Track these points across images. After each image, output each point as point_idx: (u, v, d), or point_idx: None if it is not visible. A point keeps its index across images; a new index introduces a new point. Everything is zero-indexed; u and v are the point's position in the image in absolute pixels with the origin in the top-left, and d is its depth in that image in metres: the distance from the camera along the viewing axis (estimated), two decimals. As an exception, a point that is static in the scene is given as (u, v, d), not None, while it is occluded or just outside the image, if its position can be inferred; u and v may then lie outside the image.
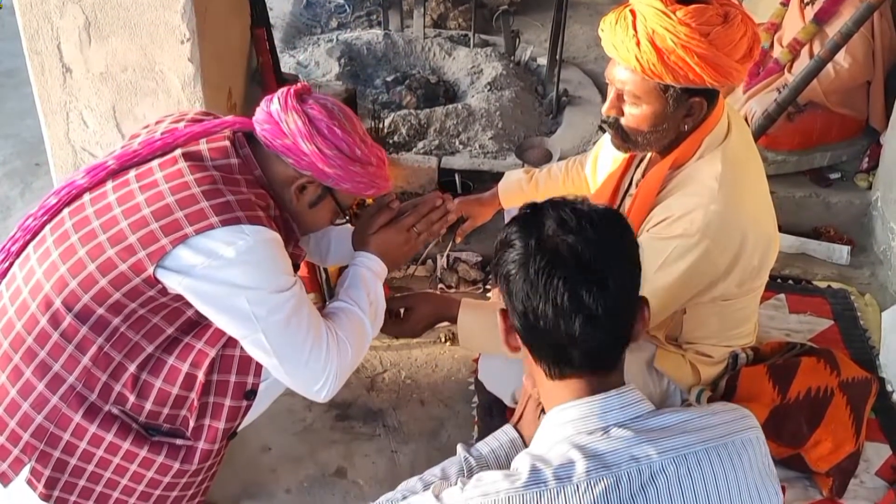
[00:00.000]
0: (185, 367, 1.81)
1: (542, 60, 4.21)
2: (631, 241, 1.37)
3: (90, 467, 1.81)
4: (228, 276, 1.67)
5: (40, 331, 1.73)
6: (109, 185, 1.76)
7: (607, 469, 1.24)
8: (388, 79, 4.09)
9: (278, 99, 1.80)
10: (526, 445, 1.60)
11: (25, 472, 1.78)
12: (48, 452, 1.78)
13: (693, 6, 1.88)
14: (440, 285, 3.07)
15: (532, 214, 1.36)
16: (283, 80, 2.89)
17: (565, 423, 1.32)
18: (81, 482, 1.82)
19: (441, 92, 4.04)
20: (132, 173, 1.76)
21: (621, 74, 1.95)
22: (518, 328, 1.36)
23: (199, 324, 1.80)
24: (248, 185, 1.76)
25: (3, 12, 4.86)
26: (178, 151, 1.76)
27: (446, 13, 4.73)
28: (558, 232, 1.30)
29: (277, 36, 3.92)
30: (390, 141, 3.55)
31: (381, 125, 3.52)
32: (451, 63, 4.29)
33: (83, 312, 1.71)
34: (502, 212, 2.67)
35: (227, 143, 1.80)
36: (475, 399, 2.60)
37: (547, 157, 3.48)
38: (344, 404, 2.61)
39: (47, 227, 1.79)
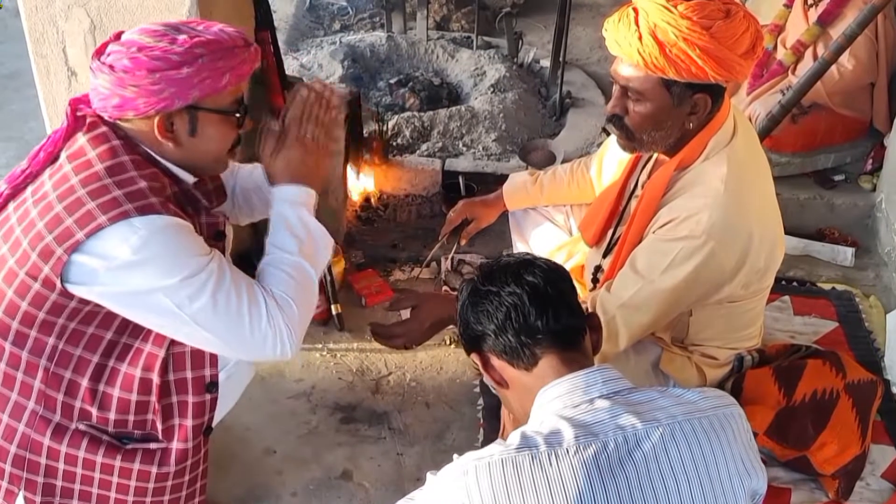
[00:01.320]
0: (137, 373, 1.77)
1: (545, 62, 4.21)
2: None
3: (76, 486, 1.82)
4: (135, 278, 1.62)
5: None
6: (11, 207, 1.74)
7: (594, 436, 1.30)
8: (392, 81, 4.09)
9: (90, 70, 1.68)
10: None
11: (20, 502, 1.79)
12: (33, 479, 1.78)
13: (695, 1, 1.89)
14: (444, 287, 3.07)
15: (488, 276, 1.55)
16: (287, 82, 2.89)
17: (553, 399, 1.38)
18: (73, 502, 1.83)
19: (444, 94, 4.04)
20: (29, 190, 1.72)
21: (625, 71, 1.96)
22: (490, 347, 1.49)
23: (135, 324, 1.74)
24: (137, 167, 1.66)
25: (6, 14, 4.87)
26: (63, 155, 1.70)
27: (449, 15, 4.73)
28: (503, 269, 1.53)
29: (281, 38, 3.92)
30: (394, 143, 3.55)
31: (384, 127, 3.52)
32: (454, 65, 4.29)
33: (18, 339, 1.70)
34: (506, 214, 2.67)
35: (105, 128, 1.69)
36: (480, 401, 2.60)
37: (550, 159, 3.49)
38: (349, 407, 2.61)
39: None
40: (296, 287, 1.77)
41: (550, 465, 1.28)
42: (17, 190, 1.75)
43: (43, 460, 1.78)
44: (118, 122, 1.69)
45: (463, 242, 2.64)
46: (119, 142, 1.68)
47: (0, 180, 1.77)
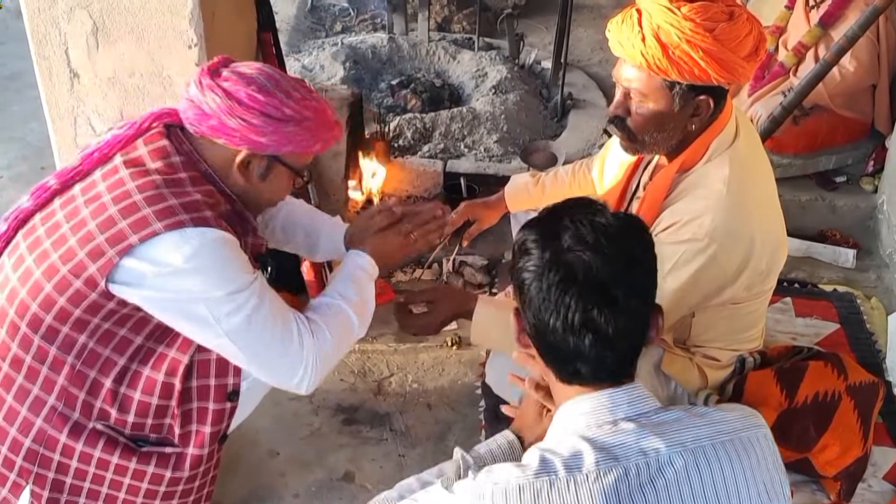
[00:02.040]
0: (160, 377, 1.79)
1: (547, 64, 4.22)
2: (649, 252, 1.37)
3: (86, 484, 1.82)
4: (181, 285, 1.64)
5: (13, 356, 1.73)
6: (57, 203, 1.75)
7: (616, 461, 1.25)
8: (393, 82, 4.10)
9: (194, 82, 1.73)
10: (524, 449, 1.60)
11: (26, 495, 1.78)
12: (43, 474, 1.78)
13: (698, 3, 1.89)
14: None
15: (549, 221, 1.36)
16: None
17: (577, 416, 1.33)
18: (81, 500, 1.83)
19: (446, 95, 4.04)
20: (77, 188, 1.73)
21: (627, 72, 1.96)
22: (530, 333, 1.37)
23: (168, 331, 1.77)
24: (193, 184, 1.71)
25: (8, 15, 4.87)
26: (119, 159, 1.72)
27: (450, 16, 4.73)
28: (574, 246, 1.30)
29: (282, 40, 3.92)
30: (395, 144, 3.56)
31: (386, 129, 3.52)
32: (455, 66, 4.29)
33: (48, 333, 1.71)
34: (508, 215, 2.67)
35: (166, 141, 1.74)
36: (482, 403, 2.60)
37: (552, 161, 3.49)
38: (351, 409, 2.62)
39: (4, 254, 1.78)
40: (339, 328, 1.83)
41: (569, 491, 1.23)
42: (65, 186, 1.76)
43: (56, 456, 1.78)
44: (200, 136, 1.74)
45: (464, 244, 2.63)
46: (180, 158, 1.73)
47: (51, 176, 1.78)
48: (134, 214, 1.64)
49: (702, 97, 1.94)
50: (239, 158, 1.74)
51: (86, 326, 1.70)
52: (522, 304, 1.36)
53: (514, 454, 1.61)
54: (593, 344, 1.29)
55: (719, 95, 1.96)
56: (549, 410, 1.60)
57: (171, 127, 1.78)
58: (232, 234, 1.72)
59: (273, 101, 1.69)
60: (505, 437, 1.67)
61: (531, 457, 1.29)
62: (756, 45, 1.91)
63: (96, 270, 1.64)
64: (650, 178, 2.15)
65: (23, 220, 1.78)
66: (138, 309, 1.70)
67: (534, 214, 2.55)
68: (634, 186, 2.22)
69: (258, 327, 1.70)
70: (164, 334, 1.78)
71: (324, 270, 2.78)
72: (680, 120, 1.97)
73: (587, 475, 1.24)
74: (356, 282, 1.92)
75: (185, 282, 1.64)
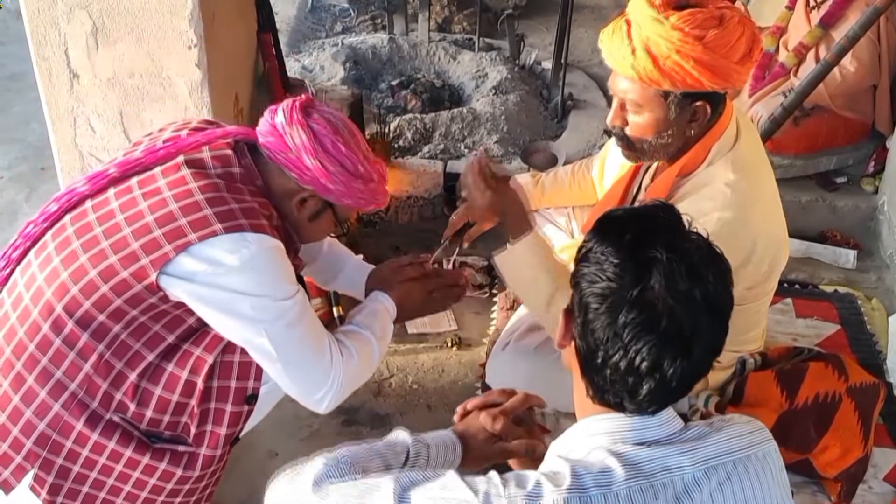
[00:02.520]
0: (184, 375, 1.80)
1: (547, 64, 4.22)
2: (730, 294, 1.28)
3: (93, 474, 1.82)
4: (232, 283, 1.67)
5: (42, 337, 1.73)
6: (111, 192, 1.76)
7: (645, 479, 1.23)
8: (394, 83, 4.10)
9: (283, 111, 1.79)
10: (465, 453, 1.55)
11: (28, 479, 1.78)
12: (51, 460, 1.78)
13: (687, 11, 1.87)
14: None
15: (639, 245, 1.23)
16: (288, 85, 2.90)
17: (600, 433, 1.29)
18: (84, 489, 1.82)
19: (446, 96, 4.05)
20: (134, 180, 1.76)
21: (621, 84, 1.96)
22: (579, 348, 1.29)
23: (200, 332, 1.80)
24: (250, 195, 1.76)
25: (8, 16, 4.87)
26: (181, 158, 1.76)
27: (451, 17, 4.73)
28: (664, 291, 1.19)
29: (282, 40, 3.92)
30: (395, 145, 3.56)
31: (386, 129, 3.52)
32: (455, 67, 4.29)
33: (84, 319, 1.71)
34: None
35: (230, 151, 1.80)
36: (482, 404, 2.59)
37: (552, 161, 3.49)
38: (351, 409, 2.61)
39: (48, 234, 1.79)
40: (363, 354, 1.89)
41: None
42: (123, 176, 1.78)
43: (68, 444, 1.78)
44: (273, 162, 1.80)
45: (465, 245, 2.63)
46: (239, 170, 1.78)
47: (110, 164, 1.81)
48: (195, 213, 1.67)
49: (698, 103, 1.93)
50: (300, 195, 1.81)
51: (123, 317, 1.71)
52: (582, 324, 1.26)
53: (454, 456, 1.54)
54: (652, 390, 1.22)
55: (716, 100, 1.96)
56: (498, 439, 1.56)
57: (239, 141, 1.83)
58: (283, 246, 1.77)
59: (353, 156, 1.79)
60: (450, 437, 1.57)
61: (562, 468, 1.24)
62: (749, 47, 1.90)
63: (149, 263, 1.66)
64: (651, 181, 2.15)
65: (75, 203, 1.79)
66: (178, 307, 1.73)
67: (534, 216, 2.60)
68: (636, 189, 2.22)
69: (297, 336, 1.75)
70: (195, 334, 1.80)
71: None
72: (678, 127, 1.97)
73: (617, 494, 1.21)
74: (381, 318, 1.98)
75: (236, 281, 1.67)
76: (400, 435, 1.51)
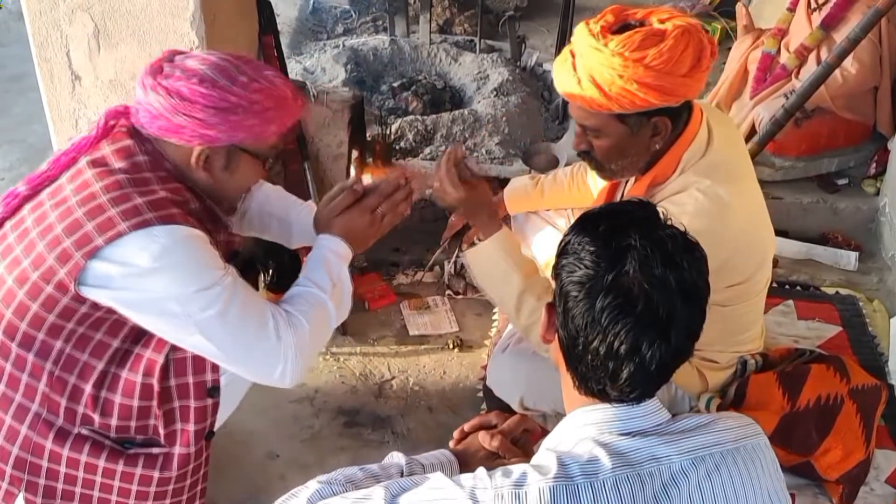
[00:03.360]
0: (138, 378, 1.77)
1: (548, 66, 4.22)
2: (706, 282, 1.30)
3: (77, 489, 1.82)
4: (151, 284, 1.62)
5: None
6: (26, 209, 1.73)
7: (631, 468, 1.24)
8: (395, 84, 4.10)
9: (138, 83, 1.69)
10: (462, 470, 1.54)
11: (20, 502, 1.78)
12: (34, 481, 1.78)
13: (625, 34, 1.87)
14: (448, 291, 3.07)
15: (613, 234, 1.27)
16: (290, 86, 2.90)
17: (588, 424, 1.31)
18: None
19: (447, 97, 4.04)
20: (45, 193, 1.72)
21: (577, 112, 1.98)
22: (561, 339, 1.32)
23: (144, 332, 1.75)
24: (160, 182, 1.69)
25: (10, 17, 4.88)
26: (84, 161, 1.71)
27: (452, 19, 4.73)
28: (639, 275, 1.22)
29: (284, 42, 3.92)
30: (397, 147, 3.56)
31: (387, 131, 3.52)
32: (457, 69, 4.29)
33: (25, 340, 1.70)
34: (508, 218, 2.67)
35: (130, 141, 1.72)
36: (483, 406, 2.59)
37: (553, 163, 3.48)
38: (352, 411, 2.61)
39: None
40: (315, 317, 1.80)
41: (586, 497, 1.21)
42: (34, 192, 1.75)
43: (45, 463, 1.78)
44: (154, 136, 1.71)
45: (464, 246, 2.63)
46: (144, 157, 1.71)
47: (21, 182, 1.77)
48: (100, 216, 1.62)
49: (656, 119, 1.92)
50: (195, 155, 1.70)
51: (61, 332, 1.69)
52: (563, 313, 1.29)
53: (451, 472, 1.55)
54: (632, 373, 1.24)
55: (677, 112, 1.95)
56: (497, 457, 1.57)
57: (134, 125, 1.75)
58: (201, 231, 1.70)
59: (216, 91, 1.64)
60: (445, 455, 1.59)
61: (547, 459, 1.26)
62: (697, 56, 1.87)
63: (65, 274, 1.62)
64: (629, 192, 2.14)
65: None
66: (112, 311, 1.69)
67: (533, 216, 2.60)
68: (619, 197, 2.21)
69: (232, 323, 1.68)
70: (141, 336, 1.76)
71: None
72: (641, 144, 1.97)
73: (604, 482, 1.22)
74: (327, 266, 1.87)
75: (155, 281, 1.62)
76: (395, 456, 1.51)
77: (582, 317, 1.25)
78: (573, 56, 1.92)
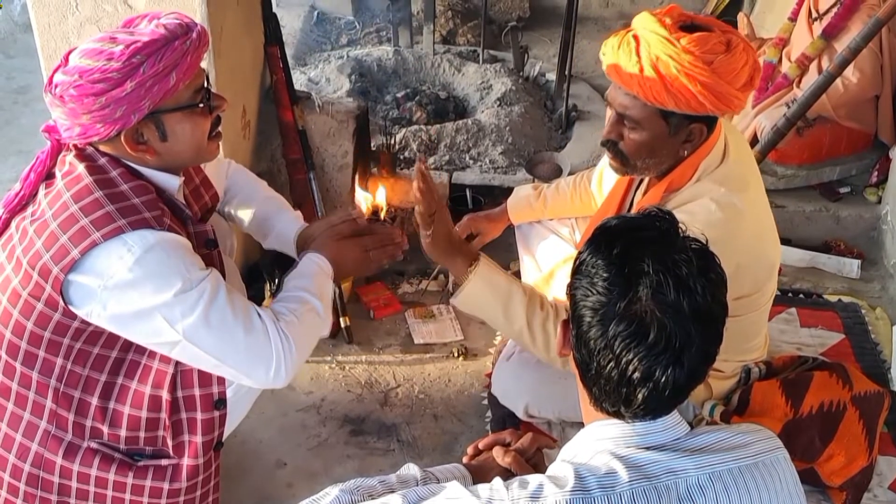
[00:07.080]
0: (147, 390, 1.78)
1: (551, 76, 4.24)
2: (721, 303, 1.28)
3: (89, 503, 1.83)
4: (133, 297, 1.62)
5: (1, 385, 1.75)
6: (13, 226, 1.74)
7: (648, 481, 1.24)
8: (399, 95, 4.12)
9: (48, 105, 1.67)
10: (475, 482, 1.54)
11: None
12: (47, 497, 1.80)
13: (697, 34, 1.87)
14: (452, 301, 3.08)
15: (626, 258, 1.25)
16: (296, 97, 2.92)
17: (605, 438, 1.31)
18: None
19: (451, 107, 4.07)
20: (29, 209, 1.73)
21: (623, 99, 1.94)
22: (576, 359, 1.32)
23: None
24: (125, 180, 1.67)
25: (17, 29, 4.91)
26: (57, 174, 1.70)
27: (455, 29, 4.76)
28: (651, 303, 1.21)
29: (289, 53, 3.95)
30: (401, 157, 3.58)
31: (391, 141, 3.54)
32: (460, 79, 4.31)
33: (27, 359, 1.71)
34: (512, 227, 2.68)
35: (91, 148, 1.70)
36: (489, 413, 2.61)
37: (557, 172, 3.50)
38: (358, 419, 2.63)
39: None
40: (305, 314, 1.82)
41: None
42: (13, 213, 1.75)
43: (56, 479, 1.79)
44: (85, 144, 1.69)
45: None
46: (104, 158, 1.69)
47: None
48: (73, 227, 1.61)
49: (695, 125, 1.93)
50: (123, 142, 1.66)
51: (59, 348, 1.70)
52: (577, 336, 1.29)
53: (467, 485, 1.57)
54: (646, 398, 1.23)
55: (712, 121, 1.96)
56: (512, 475, 1.56)
57: None
58: (175, 228, 1.69)
59: (95, 75, 1.58)
60: (459, 469, 1.60)
61: (564, 471, 1.26)
62: (751, 74, 1.90)
63: (51, 290, 1.63)
64: (643, 196, 2.15)
65: None
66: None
67: (537, 225, 2.61)
68: (629, 203, 2.23)
69: (217, 324, 1.67)
70: (140, 346, 1.76)
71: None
72: (672, 146, 1.97)
73: (620, 495, 1.22)
74: (316, 279, 1.89)
75: (135, 292, 1.62)
76: (411, 468, 1.52)
77: (595, 342, 1.24)
78: (637, 41, 1.90)
